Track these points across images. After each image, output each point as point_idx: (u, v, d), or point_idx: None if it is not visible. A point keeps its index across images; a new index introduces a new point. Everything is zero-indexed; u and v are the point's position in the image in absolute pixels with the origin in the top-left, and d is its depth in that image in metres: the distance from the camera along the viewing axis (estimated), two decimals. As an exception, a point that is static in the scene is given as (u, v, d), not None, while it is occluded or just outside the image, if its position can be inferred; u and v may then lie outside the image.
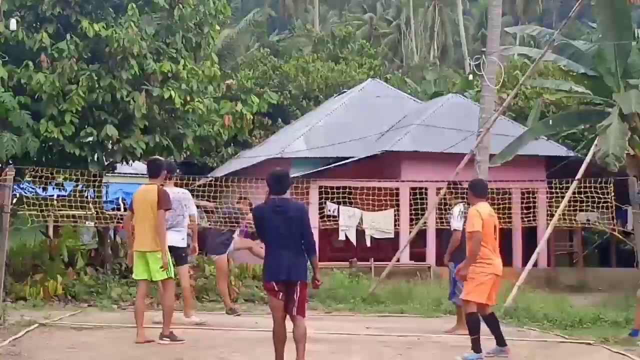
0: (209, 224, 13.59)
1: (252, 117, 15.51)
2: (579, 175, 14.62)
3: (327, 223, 17.29)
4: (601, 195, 13.60)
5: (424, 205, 16.40)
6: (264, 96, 16.03)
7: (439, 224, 11.41)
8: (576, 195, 14.13)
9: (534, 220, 17.30)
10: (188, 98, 14.66)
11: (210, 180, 16.46)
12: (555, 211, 14.70)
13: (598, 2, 18.28)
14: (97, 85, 13.84)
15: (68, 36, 13.91)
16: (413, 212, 16.92)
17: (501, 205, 15.46)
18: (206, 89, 15.37)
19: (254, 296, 14.26)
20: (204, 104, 14.87)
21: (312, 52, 39.17)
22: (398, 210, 18.74)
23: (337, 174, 19.56)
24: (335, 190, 17.31)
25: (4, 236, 10.44)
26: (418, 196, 16.61)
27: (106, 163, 15.13)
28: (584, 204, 14.06)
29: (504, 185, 17.45)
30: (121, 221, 15.48)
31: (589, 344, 10.11)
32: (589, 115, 19.34)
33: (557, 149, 21.49)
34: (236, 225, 12.55)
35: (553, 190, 15.08)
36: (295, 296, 7.35)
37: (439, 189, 16.08)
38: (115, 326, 10.60)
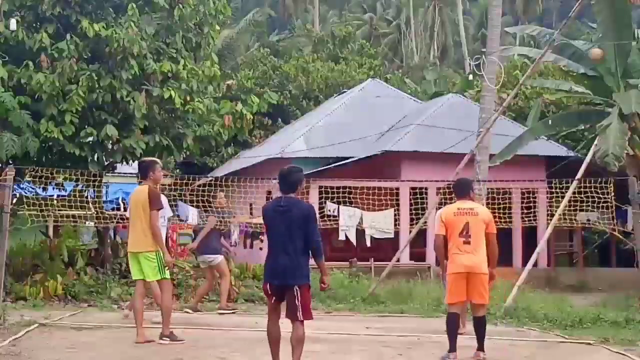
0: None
1: (252, 117, 15.51)
2: (579, 175, 14.62)
3: (327, 223, 17.28)
4: (601, 195, 13.60)
5: (424, 205, 16.39)
6: (264, 96, 16.03)
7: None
8: (576, 195, 14.13)
9: (534, 220, 17.30)
10: (188, 98, 14.66)
11: (210, 180, 16.47)
12: (555, 211, 14.70)
13: (598, 2, 18.26)
14: (97, 85, 13.84)
15: (68, 36, 13.90)
16: (413, 212, 16.92)
17: (501, 205, 15.47)
18: (206, 89, 15.37)
19: (254, 296, 14.26)
20: (204, 104, 14.87)
21: (312, 52, 39.21)
22: (398, 210, 18.74)
23: (337, 174, 19.57)
24: (335, 190, 17.31)
25: (4, 236, 10.44)
26: (418, 196, 16.61)
27: (106, 163, 15.13)
28: (584, 204, 14.06)
29: (504, 185, 17.46)
30: (121, 221, 15.49)
31: (589, 344, 10.11)
32: (589, 115, 19.33)
33: (557, 149, 21.49)
34: (226, 224, 12.59)
35: (553, 190, 15.07)
36: (297, 301, 7.14)
37: (439, 189, 16.08)
38: (115, 326, 10.60)
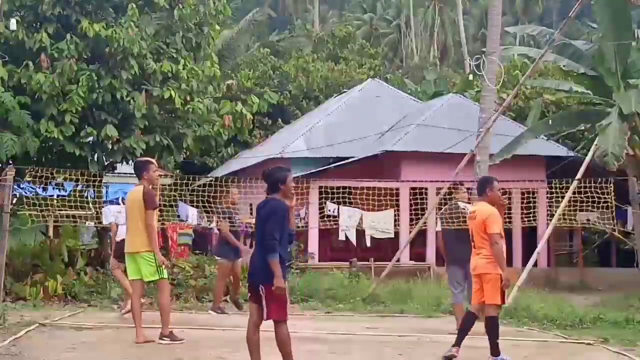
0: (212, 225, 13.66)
1: (252, 117, 15.52)
2: (579, 175, 14.62)
3: (327, 223, 17.28)
4: (601, 195, 13.60)
5: (424, 206, 16.39)
6: (264, 96, 16.04)
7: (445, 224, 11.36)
8: (576, 195, 14.13)
9: (534, 220, 17.28)
10: (188, 98, 14.67)
11: (210, 180, 16.47)
12: (555, 211, 14.70)
13: (598, 2, 18.27)
14: (97, 85, 13.85)
15: (68, 36, 13.91)
16: (413, 212, 16.90)
17: (501, 205, 15.44)
18: (206, 89, 15.39)
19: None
20: (204, 104, 14.88)
21: (312, 52, 39.18)
22: (398, 210, 18.73)
23: (337, 174, 19.55)
24: (335, 190, 17.30)
25: (4, 236, 10.45)
26: (418, 196, 16.61)
27: (106, 163, 15.14)
28: (584, 204, 14.05)
29: (504, 185, 17.44)
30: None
31: (589, 344, 10.11)
32: (589, 115, 19.32)
33: (557, 149, 21.48)
34: (236, 223, 12.60)
35: (553, 190, 15.07)
36: (263, 301, 7.04)
37: (439, 189, 16.07)
38: (115, 326, 10.60)
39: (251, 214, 13.06)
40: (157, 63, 14.27)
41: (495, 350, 8.46)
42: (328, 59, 37.25)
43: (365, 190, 17.29)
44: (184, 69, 14.52)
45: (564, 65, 19.48)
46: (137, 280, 9.41)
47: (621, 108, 17.30)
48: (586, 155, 16.78)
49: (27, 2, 14.33)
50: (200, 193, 14.74)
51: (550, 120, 19.75)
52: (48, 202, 14.49)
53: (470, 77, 24.39)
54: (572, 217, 14.94)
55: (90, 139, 14.21)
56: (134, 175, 9.87)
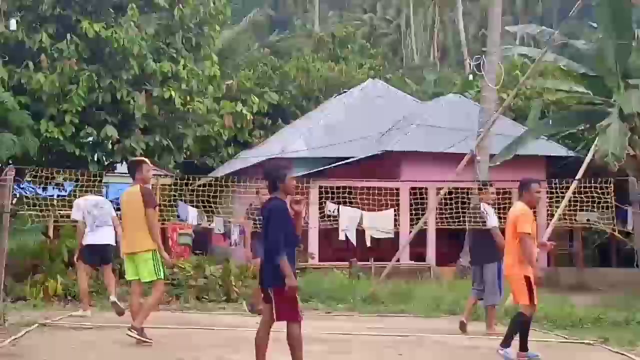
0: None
1: (252, 117, 15.52)
2: (579, 175, 14.62)
3: (327, 223, 17.27)
4: (601, 195, 13.59)
5: (424, 206, 16.39)
6: (264, 96, 16.05)
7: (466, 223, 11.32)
8: (576, 195, 14.12)
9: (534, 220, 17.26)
10: (188, 98, 14.67)
11: (210, 180, 16.46)
12: (555, 211, 14.69)
13: (598, 2, 18.27)
14: (97, 85, 13.86)
15: (68, 36, 13.92)
16: (413, 212, 16.90)
17: (501, 205, 15.44)
18: (206, 89, 15.39)
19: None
20: (204, 104, 14.89)
21: (312, 52, 39.16)
22: (398, 210, 18.73)
23: (337, 174, 19.55)
24: (335, 190, 17.29)
25: (4, 236, 10.43)
26: (418, 196, 16.60)
27: (106, 163, 15.14)
28: (584, 204, 14.05)
29: (504, 185, 17.44)
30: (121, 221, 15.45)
31: (589, 344, 10.11)
32: (589, 115, 19.32)
33: (557, 149, 21.47)
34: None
35: (553, 190, 15.07)
36: (273, 302, 7.00)
37: (439, 189, 16.07)
38: (115, 326, 10.59)
39: (246, 214, 13.05)
40: (157, 63, 14.28)
41: (506, 341, 8.55)
42: (328, 59, 37.23)
43: (365, 190, 17.28)
44: (184, 69, 14.53)
45: (564, 65, 19.49)
46: (136, 280, 9.39)
47: (621, 108, 17.31)
48: (586, 155, 16.78)
49: (27, 2, 14.34)
50: (200, 193, 14.74)
51: (550, 121, 19.76)
52: (48, 202, 14.49)
53: (471, 77, 24.41)
54: (572, 217, 14.94)
55: (90, 139, 14.22)
56: (134, 175, 9.80)
